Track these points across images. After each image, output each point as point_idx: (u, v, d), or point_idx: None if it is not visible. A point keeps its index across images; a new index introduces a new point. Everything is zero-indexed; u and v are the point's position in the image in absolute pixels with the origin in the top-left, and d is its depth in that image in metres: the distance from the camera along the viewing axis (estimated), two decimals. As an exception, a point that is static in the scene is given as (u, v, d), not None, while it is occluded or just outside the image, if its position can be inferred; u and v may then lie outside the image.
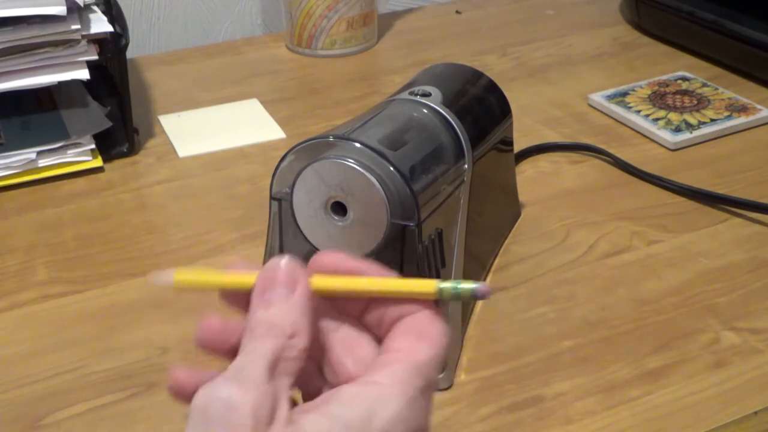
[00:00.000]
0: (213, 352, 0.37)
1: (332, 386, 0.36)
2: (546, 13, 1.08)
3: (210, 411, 0.32)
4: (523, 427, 0.50)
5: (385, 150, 0.49)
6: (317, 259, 0.37)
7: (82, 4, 0.72)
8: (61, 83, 0.72)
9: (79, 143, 0.75)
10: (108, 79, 0.82)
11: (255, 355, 0.34)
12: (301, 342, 0.35)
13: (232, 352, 0.37)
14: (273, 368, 0.34)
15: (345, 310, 0.37)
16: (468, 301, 0.37)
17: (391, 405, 0.33)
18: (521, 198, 0.69)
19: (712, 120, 0.80)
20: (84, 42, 0.72)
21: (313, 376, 0.36)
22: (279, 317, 0.35)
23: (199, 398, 0.32)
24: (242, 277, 0.37)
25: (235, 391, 0.32)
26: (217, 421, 0.31)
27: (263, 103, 0.87)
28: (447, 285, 0.36)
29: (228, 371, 0.34)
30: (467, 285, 0.35)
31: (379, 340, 0.37)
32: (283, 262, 0.36)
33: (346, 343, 0.37)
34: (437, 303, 0.38)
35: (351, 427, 0.32)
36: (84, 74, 0.72)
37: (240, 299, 0.37)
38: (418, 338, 0.35)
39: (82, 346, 0.57)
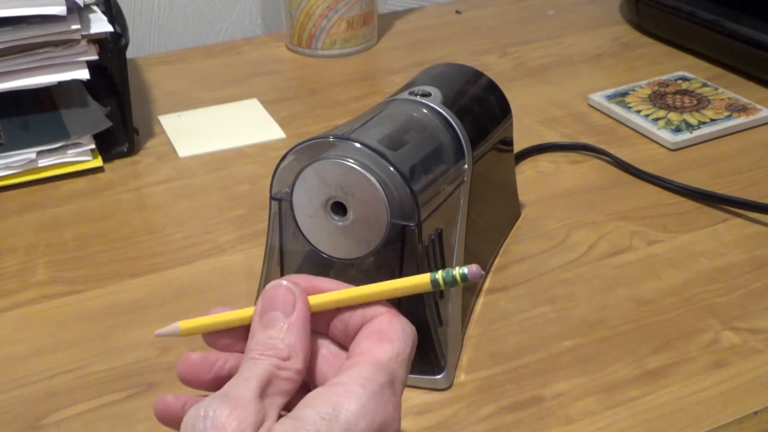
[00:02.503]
0: (195, 384, 0.39)
1: None
2: (546, 14, 1.08)
3: (198, 428, 0.32)
4: (523, 427, 0.50)
5: (385, 150, 0.49)
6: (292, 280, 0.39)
7: (82, 4, 0.72)
8: (61, 83, 0.72)
9: (79, 143, 0.75)
10: (108, 79, 0.82)
11: (248, 375, 0.35)
12: (297, 364, 0.36)
13: (214, 383, 0.39)
14: (265, 388, 0.35)
15: (312, 327, 0.38)
16: (463, 285, 0.38)
17: (354, 398, 0.33)
18: (521, 198, 0.69)
19: (712, 120, 0.80)
20: (84, 42, 0.72)
21: (301, 395, 0.37)
22: (275, 339, 0.36)
23: (188, 417, 0.33)
24: (241, 313, 0.39)
25: (221, 410, 0.33)
26: None
27: (263, 103, 0.87)
28: (439, 275, 0.36)
29: (220, 390, 0.34)
30: (458, 270, 0.36)
31: (347, 350, 0.38)
32: (282, 285, 0.37)
33: (329, 360, 0.39)
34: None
35: (316, 425, 0.32)
36: (84, 74, 0.72)
37: (222, 340, 0.39)
38: (379, 339, 0.36)
39: (82, 346, 0.57)
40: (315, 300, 0.38)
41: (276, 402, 0.35)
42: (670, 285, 0.61)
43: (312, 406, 0.33)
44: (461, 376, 0.53)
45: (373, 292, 0.38)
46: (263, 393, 0.34)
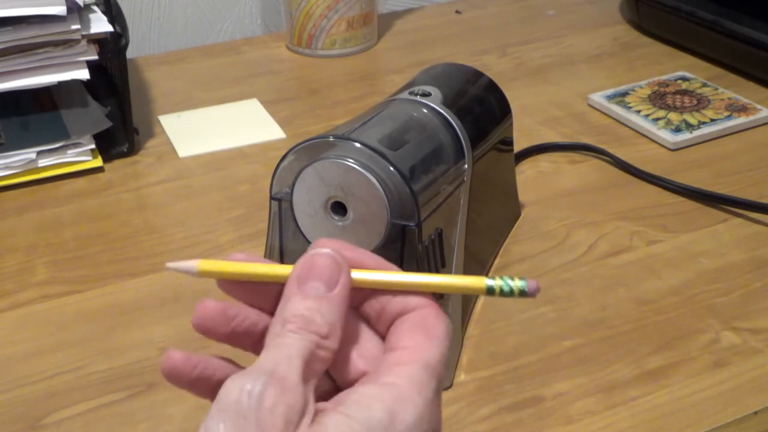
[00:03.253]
0: (211, 336, 0.36)
1: (337, 382, 0.35)
2: (546, 14, 1.08)
3: (242, 404, 0.30)
4: (523, 427, 0.50)
5: (385, 150, 0.49)
6: (319, 244, 0.35)
7: (82, 4, 0.72)
8: (61, 83, 0.72)
9: (79, 143, 0.75)
10: (108, 79, 0.82)
11: (291, 352, 0.32)
12: (334, 343, 0.33)
13: (231, 337, 0.36)
14: (307, 369, 0.32)
15: None
16: (516, 298, 0.36)
17: (411, 407, 0.32)
18: (521, 198, 0.69)
19: (712, 120, 0.80)
20: (84, 42, 0.72)
21: None
22: (317, 315, 0.33)
23: (231, 389, 0.31)
24: (272, 269, 0.35)
25: (271, 390, 0.31)
26: (248, 416, 0.30)
27: (263, 103, 0.87)
28: (496, 283, 0.35)
29: (262, 363, 0.32)
30: (518, 282, 0.34)
31: (376, 331, 0.36)
32: (327, 253, 0.34)
33: (350, 337, 0.36)
34: (441, 297, 0.37)
35: (373, 430, 0.31)
36: (84, 74, 0.72)
37: (240, 289, 0.36)
38: (426, 336, 0.34)
39: (82, 346, 0.57)
40: (358, 276, 0.35)
41: (312, 385, 0.33)
42: (670, 285, 0.61)
43: (367, 406, 0.31)
44: (461, 376, 0.53)
45: (422, 282, 0.35)
46: (306, 374, 0.32)
